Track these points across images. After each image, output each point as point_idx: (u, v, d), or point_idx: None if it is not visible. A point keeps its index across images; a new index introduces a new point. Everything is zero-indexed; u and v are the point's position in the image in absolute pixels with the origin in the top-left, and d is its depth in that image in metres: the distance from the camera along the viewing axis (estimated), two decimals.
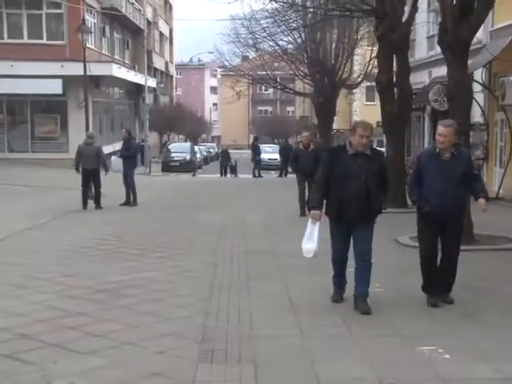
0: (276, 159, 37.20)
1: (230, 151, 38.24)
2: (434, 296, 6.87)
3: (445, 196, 6.64)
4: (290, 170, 32.70)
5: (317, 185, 6.90)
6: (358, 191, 6.53)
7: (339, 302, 6.93)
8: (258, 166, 34.39)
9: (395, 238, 10.90)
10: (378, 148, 7.88)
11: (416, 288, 7.12)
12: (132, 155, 17.09)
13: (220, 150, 42.88)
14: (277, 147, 42.52)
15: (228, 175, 34.85)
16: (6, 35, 30.29)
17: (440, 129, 6.75)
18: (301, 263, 9.28)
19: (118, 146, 26.78)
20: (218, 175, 34.80)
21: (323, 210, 6.84)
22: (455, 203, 6.79)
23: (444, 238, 6.88)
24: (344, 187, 6.56)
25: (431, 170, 6.76)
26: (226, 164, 35.66)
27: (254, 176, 32.81)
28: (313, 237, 6.78)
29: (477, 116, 18.26)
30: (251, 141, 42.23)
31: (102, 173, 15.99)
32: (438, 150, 6.78)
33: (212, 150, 58.77)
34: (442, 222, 6.76)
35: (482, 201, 6.80)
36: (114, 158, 17.51)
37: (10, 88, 28.66)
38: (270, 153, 41.46)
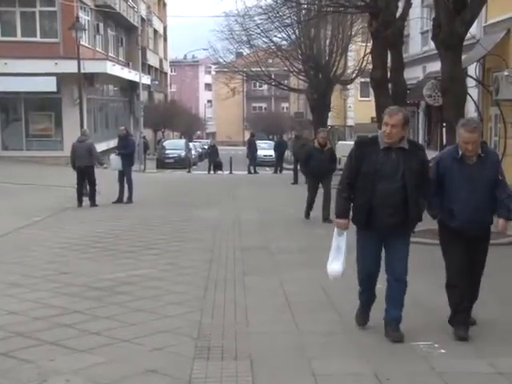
0: (271, 155, 37.18)
1: (227, 147, 37.81)
2: (462, 327, 5.65)
3: (474, 208, 5.55)
4: (285, 165, 32.95)
5: (341, 187, 5.69)
6: (393, 194, 5.42)
7: (366, 323, 5.91)
8: (254, 162, 34.37)
9: None
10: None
11: (413, 284, 7.12)
12: (130, 153, 17.09)
13: (207, 146, 41.45)
14: (272, 143, 42.50)
15: (213, 172, 33.48)
16: None
17: (465, 136, 5.51)
18: (296, 259, 9.32)
19: (112, 143, 26.79)
20: (206, 172, 33.59)
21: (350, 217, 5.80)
22: (486, 216, 5.70)
23: (470, 254, 5.70)
24: (374, 189, 5.44)
25: (455, 177, 5.60)
26: (213, 160, 34.61)
27: (250, 172, 32.79)
28: (340, 252, 5.73)
29: (471, 111, 18.27)
30: (246, 137, 42.24)
31: (99, 167, 16.00)
32: (461, 153, 5.61)
33: (207, 147, 58.73)
34: (469, 237, 5.64)
35: (502, 222, 5.67)
36: (112, 155, 17.45)
37: (4, 86, 28.56)
38: (265, 149, 41.45)
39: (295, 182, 23.28)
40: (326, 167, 13.08)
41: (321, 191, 13.47)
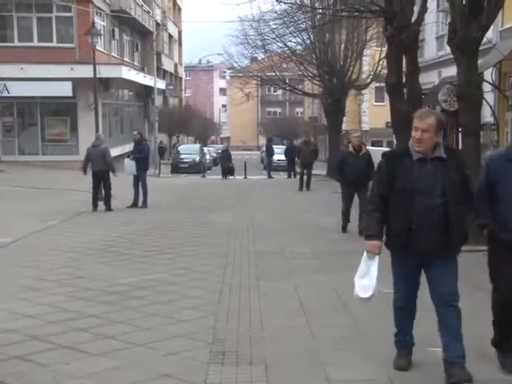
0: (284, 160, 37.25)
1: (242, 152, 37.57)
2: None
3: None
4: (298, 169, 32.88)
5: (371, 206, 5.00)
6: (432, 213, 4.70)
7: (407, 369, 5.05)
8: (270, 167, 34.45)
9: None
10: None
11: (426, 288, 7.08)
12: (144, 157, 17.13)
13: (220, 151, 40.36)
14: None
15: (229, 177, 32.63)
16: (16, 38, 30.45)
17: None
18: (310, 263, 9.29)
19: (127, 147, 26.93)
20: (220, 177, 32.76)
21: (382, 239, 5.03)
22: None
23: None
24: (410, 208, 4.73)
25: (509, 182, 4.86)
26: (226, 165, 33.43)
27: (270, 177, 32.75)
28: (370, 278, 5.02)
29: (487, 116, 18.16)
30: (260, 142, 42.26)
31: (113, 175, 16.04)
32: None
33: (220, 151, 58.88)
34: None
35: None
36: (126, 160, 17.51)
37: (21, 91, 28.86)
38: (279, 154, 41.52)
39: (300, 188, 22.88)
40: (362, 174, 11.64)
41: (356, 201, 12.30)
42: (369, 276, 5.00)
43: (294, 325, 6.23)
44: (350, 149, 12.18)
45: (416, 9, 16.49)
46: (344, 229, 12.36)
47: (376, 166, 5.18)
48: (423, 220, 4.71)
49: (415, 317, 5.12)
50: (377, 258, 4.98)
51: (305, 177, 23.12)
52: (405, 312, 5.09)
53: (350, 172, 11.86)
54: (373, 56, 33.28)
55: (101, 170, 15.84)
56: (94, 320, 6.38)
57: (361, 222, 11.53)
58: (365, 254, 5.04)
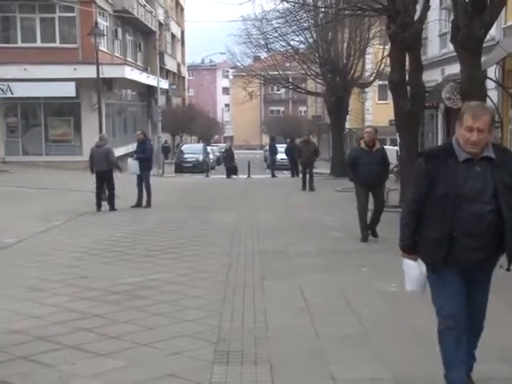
0: (287, 159, 37.24)
1: (245, 151, 37.40)
2: None
3: None
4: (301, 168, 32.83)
5: (405, 214, 4.38)
6: (482, 221, 4.11)
7: None
8: (273, 166, 34.46)
9: None
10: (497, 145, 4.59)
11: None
12: (148, 157, 17.15)
13: (223, 150, 39.69)
14: None
15: (232, 176, 32.26)
16: (19, 39, 30.52)
17: None
18: (314, 262, 9.29)
19: (131, 147, 26.92)
20: (224, 176, 32.51)
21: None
22: None
23: None
24: (456, 216, 4.11)
25: None
26: (229, 164, 32.96)
27: (273, 176, 32.74)
28: (415, 274, 4.37)
29: None
30: (264, 141, 42.27)
31: (117, 174, 16.07)
32: None
33: (223, 151, 58.89)
34: None
35: None
36: (130, 160, 17.55)
37: (24, 91, 28.91)
38: (282, 153, 41.53)
39: (303, 188, 22.59)
40: (376, 172, 10.82)
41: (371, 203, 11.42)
42: (417, 269, 4.34)
43: (298, 324, 6.22)
44: (362, 145, 11.05)
45: (419, 7, 16.49)
46: (365, 238, 11.01)
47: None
48: (469, 229, 4.10)
49: (467, 340, 4.34)
50: (419, 261, 4.34)
51: (307, 176, 22.73)
52: (456, 332, 4.24)
53: (363, 170, 10.82)
54: (376, 54, 33.24)
55: (104, 171, 15.87)
56: (99, 320, 6.39)
57: (372, 224, 11.11)
58: (404, 261, 4.42)
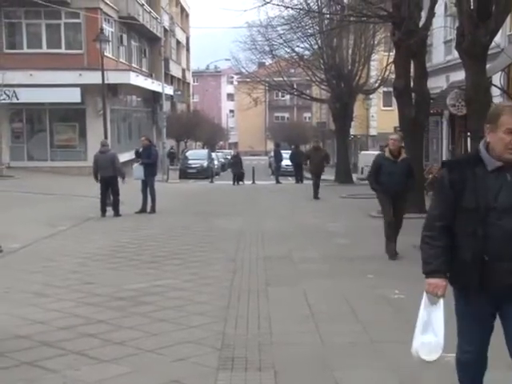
0: (291, 165, 37.24)
1: (250, 157, 37.19)
2: None
3: None
4: (306, 175, 32.85)
5: (430, 232, 3.80)
6: None
7: None
8: (278, 172, 34.49)
9: (413, 244, 10.83)
10: None
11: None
12: (152, 162, 17.17)
13: (230, 156, 39.35)
14: None
15: (236, 183, 31.73)
16: (25, 45, 30.67)
17: None
18: (319, 269, 9.28)
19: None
20: (230, 183, 32.05)
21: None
22: None
23: None
24: (487, 233, 3.62)
25: None
26: (237, 171, 32.44)
27: (278, 182, 32.72)
28: (433, 327, 3.79)
29: None
30: (268, 147, 42.31)
31: (120, 180, 16.08)
32: None
33: (230, 157, 58.96)
34: None
35: None
36: (135, 165, 17.57)
37: (30, 97, 29.01)
38: (287, 159, 41.55)
39: (315, 196, 21.35)
40: (400, 183, 9.92)
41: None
42: (432, 329, 3.78)
43: (302, 330, 6.22)
44: (387, 154, 10.14)
45: (424, 14, 16.50)
46: (392, 256, 10.02)
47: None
48: (502, 248, 3.61)
49: (485, 372, 4.00)
50: (441, 302, 3.76)
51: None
52: (475, 368, 3.93)
53: (386, 180, 9.93)
54: (380, 61, 33.32)
55: (109, 176, 15.88)
56: (104, 326, 6.39)
57: (390, 241, 10.08)
58: (424, 296, 3.81)
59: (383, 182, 9.99)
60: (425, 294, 3.80)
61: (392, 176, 9.86)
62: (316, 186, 21.54)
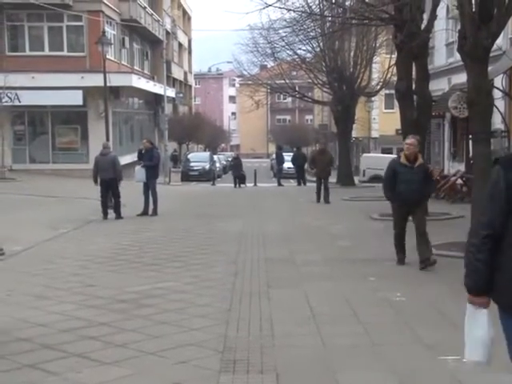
0: (293, 168, 37.24)
1: (252, 160, 37.13)
2: None
3: None
4: (308, 177, 32.87)
5: (476, 242, 3.29)
6: None
7: None
8: (279, 174, 34.51)
9: (414, 246, 10.81)
10: None
11: (438, 297, 7.06)
12: (154, 165, 17.17)
13: (231, 158, 38.79)
14: None
15: (237, 185, 31.47)
16: (27, 48, 30.72)
17: None
18: (321, 271, 9.27)
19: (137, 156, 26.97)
20: (231, 185, 31.85)
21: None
22: None
23: None
24: None
25: None
26: (237, 173, 32.11)
27: (280, 185, 32.70)
28: (482, 328, 3.40)
29: (497, 123, 18.11)
30: (270, 150, 42.30)
31: (119, 184, 16.07)
32: None
33: (230, 159, 58.98)
34: None
35: None
36: (137, 167, 17.57)
37: (32, 99, 29.04)
38: (288, 161, 41.56)
39: (318, 200, 20.94)
40: (417, 191, 9.24)
41: (410, 225, 9.67)
42: (481, 330, 3.40)
43: (304, 332, 6.21)
44: (402, 159, 9.41)
45: (425, 16, 16.50)
46: (401, 261, 9.65)
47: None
48: None
49: None
50: (486, 312, 3.37)
51: (322, 188, 21.05)
52: None
53: (403, 189, 9.26)
54: (382, 63, 33.28)
55: (110, 178, 15.86)
56: (105, 328, 6.39)
57: (421, 249, 9.30)
58: (468, 307, 3.42)
59: (400, 192, 9.31)
60: (468, 306, 3.42)
61: (409, 184, 9.20)
62: (319, 190, 21.13)
